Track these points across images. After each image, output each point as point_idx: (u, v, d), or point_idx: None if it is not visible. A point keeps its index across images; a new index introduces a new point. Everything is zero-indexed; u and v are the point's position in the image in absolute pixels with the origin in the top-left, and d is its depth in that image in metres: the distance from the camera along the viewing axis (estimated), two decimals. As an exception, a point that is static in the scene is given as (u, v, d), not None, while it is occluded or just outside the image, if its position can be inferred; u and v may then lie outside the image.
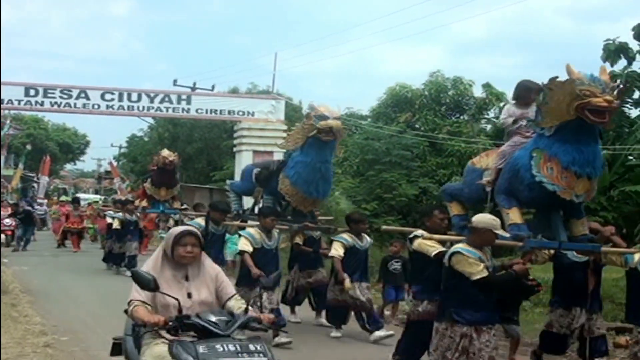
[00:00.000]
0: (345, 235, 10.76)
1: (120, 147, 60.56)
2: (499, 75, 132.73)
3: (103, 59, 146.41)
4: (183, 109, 25.61)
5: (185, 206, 20.13)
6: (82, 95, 24.43)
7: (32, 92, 24.05)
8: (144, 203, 19.78)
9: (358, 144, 27.12)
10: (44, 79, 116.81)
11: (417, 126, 27.66)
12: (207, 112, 25.77)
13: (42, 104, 24.42)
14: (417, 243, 8.05)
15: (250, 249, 9.99)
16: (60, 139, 64.29)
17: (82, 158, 73.86)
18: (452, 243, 7.55)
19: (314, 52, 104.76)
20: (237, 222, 12.18)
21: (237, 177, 25.92)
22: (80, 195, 42.73)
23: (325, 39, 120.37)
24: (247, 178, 12.91)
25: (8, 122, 37.56)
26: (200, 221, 11.42)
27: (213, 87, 35.86)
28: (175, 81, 36.15)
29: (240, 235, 10.39)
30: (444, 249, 7.70)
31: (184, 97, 25.97)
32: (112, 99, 24.67)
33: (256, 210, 12.58)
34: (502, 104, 27.55)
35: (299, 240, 11.83)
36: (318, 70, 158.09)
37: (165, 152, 19.23)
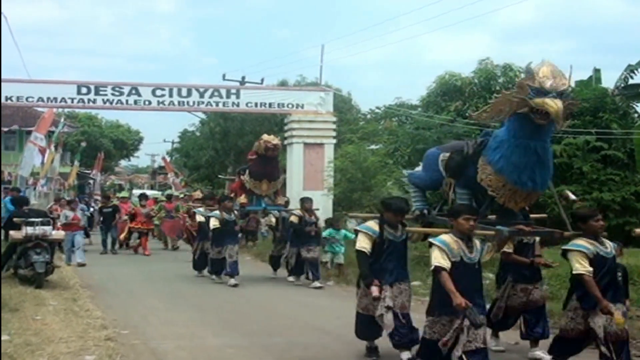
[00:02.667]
0: (583, 242, 7.87)
1: (172, 143, 61.27)
2: (550, 60, 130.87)
3: (151, 55, 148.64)
4: (233, 103, 25.80)
5: (287, 200, 17.94)
6: (134, 91, 24.74)
7: (84, 90, 24.43)
8: (243, 199, 16.87)
9: (409, 133, 27.03)
10: (94, 76, 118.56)
11: (467, 114, 27.45)
12: (256, 106, 25.91)
13: (94, 101, 24.80)
14: None
15: (447, 264, 7.32)
16: (114, 136, 65.09)
17: (136, 154, 74.72)
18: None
19: (361, 42, 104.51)
20: (418, 229, 9.23)
21: (290, 170, 26.15)
22: (136, 191, 42.19)
23: (372, 29, 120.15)
24: (432, 166, 9.44)
25: (62, 120, 38.17)
26: (373, 225, 8.55)
27: (262, 80, 36.14)
28: (224, 75, 36.57)
29: (431, 245, 7.57)
30: None
31: (233, 91, 26.16)
32: (163, 95, 24.94)
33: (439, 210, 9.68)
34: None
35: (508, 248, 8.97)
36: (366, 61, 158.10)
37: (267, 137, 16.34)
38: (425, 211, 9.59)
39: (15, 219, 14.63)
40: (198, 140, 45.47)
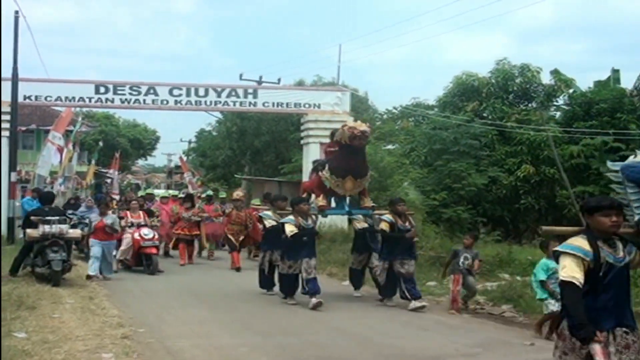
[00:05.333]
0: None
1: (189, 142, 61.59)
2: (568, 61, 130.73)
3: (169, 55, 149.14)
4: (250, 103, 25.78)
5: (373, 205, 14.49)
6: (151, 91, 24.78)
7: (102, 89, 24.49)
8: (321, 200, 13.50)
9: (425, 133, 27.03)
10: (112, 76, 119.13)
11: (484, 115, 27.43)
12: (273, 106, 25.89)
13: (112, 100, 24.83)
14: None
15: None
16: (131, 135, 65.48)
17: (152, 153, 75.18)
18: None
19: (379, 42, 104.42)
20: None
21: (306, 170, 26.12)
22: (156, 191, 41.22)
23: (390, 29, 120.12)
24: None
25: (80, 119, 38.42)
26: (582, 243, 5.45)
27: (279, 80, 36.21)
28: (241, 75, 36.71)
29: None
30: None
31: (250, 91, 26.14)
32: (180, 95, 24.95)
33: None
34: (571, 91, 27.17)
35: None
36: (383, 61, 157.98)
37: (352, 122, 12.99)
38: None
39: (32, 218, 14.72)
40: (215, 139, 45.62)
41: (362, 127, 12.52)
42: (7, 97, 22.19)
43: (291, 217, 12.87)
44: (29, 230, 14.60)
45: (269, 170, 36.42)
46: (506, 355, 8.96)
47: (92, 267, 15.47)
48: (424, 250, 17.11)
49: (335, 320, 11.28)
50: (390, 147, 29.01)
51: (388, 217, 12.97)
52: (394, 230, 12.80)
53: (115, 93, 24.59)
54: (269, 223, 14.12)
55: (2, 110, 22.53)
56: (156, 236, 17.44)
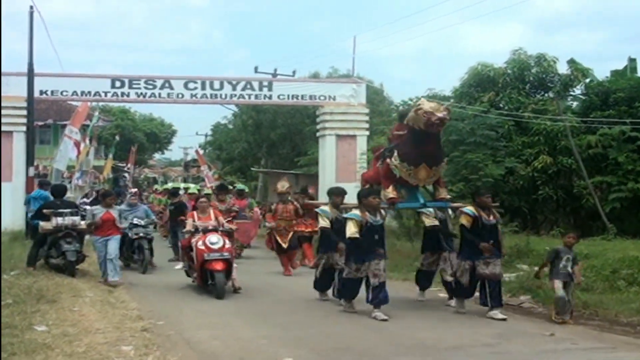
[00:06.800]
0: None
1: (205, 135, 61.76)
2: (585, 50, 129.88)
3: (184, 49, 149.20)
4: (265, 96, 25.78)
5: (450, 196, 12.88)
6: (166, 85, 24.84)
7: (117, 83, 24.57)
8: (391, 192, 11.57)
9: (441, 125, 26.90)
10: (128, 70, 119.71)
11: (501, 105, 27.26)
12: (289, 98, 25.90)
13: (128, 95, 24.90)
14: None
15: None
16: (147, 129, 65.72)
17: (169, 147, 75.50)
18: None
19: (394, 33, 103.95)
20: None
21: (322, 162, 26.13)
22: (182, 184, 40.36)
23: (405, 20, 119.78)
24: None
25: (96, 114, 38.57)
26: None
27: (294, 72, 36.21)
28: (256, 68, 36.74)
29: None
30: None
31: (265, 83, 26.16)
32: (196, 88, 25.00)
33: None
34: (587, 80, 26.99)
35: None
36: (398, 52, 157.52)
37: (427, 105, 10.81)
38: None
39: (44, 211, 14.88)
40: (230, 132, 45.70)
41: (440, 112, 10.63)
42: (23, 92, 22.38)
43: (356, 211, 11.02)
44: (42, 223, 14.79)
45: (285, 163, 36.46)
46: (525, 345, 8.92)
47: (111, 272, 13.93)
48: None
49: (355, 313, 11.26)
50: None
51: (470, 209, 11.28)
52: (476, 226, 11.14)
53: (130, 87, 24.67)
54: (324, 222, 12.07)
55: (18, 105, 22.70)
56: (227, 245, 13.21)
